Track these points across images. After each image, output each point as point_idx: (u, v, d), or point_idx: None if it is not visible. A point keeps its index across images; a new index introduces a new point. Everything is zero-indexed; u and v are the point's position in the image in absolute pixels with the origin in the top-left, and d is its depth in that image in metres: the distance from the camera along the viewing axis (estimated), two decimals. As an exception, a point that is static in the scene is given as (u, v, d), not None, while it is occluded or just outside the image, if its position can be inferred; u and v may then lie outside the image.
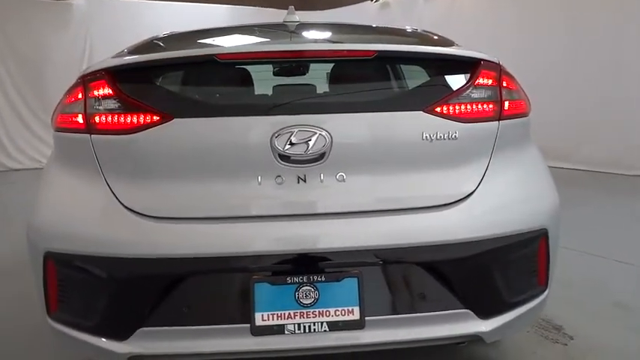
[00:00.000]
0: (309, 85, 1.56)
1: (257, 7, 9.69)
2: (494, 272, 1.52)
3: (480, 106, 1.53)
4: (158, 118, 1.43)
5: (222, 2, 9.53)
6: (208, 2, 9.22)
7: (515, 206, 1.55)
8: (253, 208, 1.45)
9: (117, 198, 1.47)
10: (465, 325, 1.49)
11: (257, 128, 1.43)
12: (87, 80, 1.52)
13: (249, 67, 1.67)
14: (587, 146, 5.98)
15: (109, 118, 1.47)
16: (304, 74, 1.59)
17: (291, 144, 1.41)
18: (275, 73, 1.59)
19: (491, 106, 1.55)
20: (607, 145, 5.84)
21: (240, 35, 2.04)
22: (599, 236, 3.56)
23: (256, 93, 1.66)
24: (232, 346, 1.43)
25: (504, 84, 1.59)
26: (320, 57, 1.51)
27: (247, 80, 1.66)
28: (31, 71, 7.51)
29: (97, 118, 1.49)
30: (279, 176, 1.44)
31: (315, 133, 1.42)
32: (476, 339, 1.53)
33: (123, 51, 1.86)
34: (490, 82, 1.56)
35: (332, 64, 1.53)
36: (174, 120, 1.42)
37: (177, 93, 1.59)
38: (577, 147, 6.03)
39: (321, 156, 1.43)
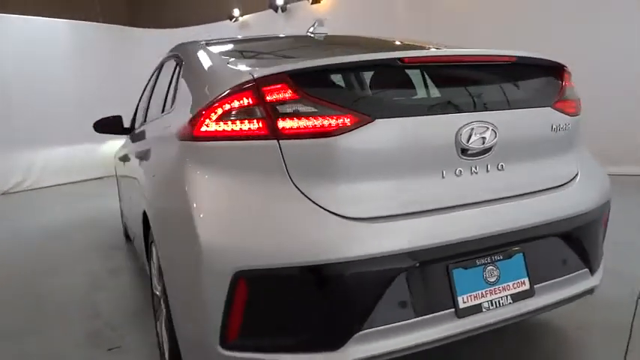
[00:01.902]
0: (470, 85, 1.70)
1: (97, 23, 8.96)
2: (597, 235, 1.88)
3: (574, 103, 1.88)
4: (358, 119, 1.44)
5: (54, 16, 8.55)
6: (41, 16, 8.19)
7: (600, 182, 1.94)
8: (445, 200, 1.55)
9: (317, 204, 1.42)
10: (586, 281, 1.82)
11: (446, 125, 1.54)
12: (261, 84, 1.44)
13: (418, 71, 1.75)
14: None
15: (305, 122, 1.41)
16: (459, 77, 1.73)
17: (471, 139, 1.56)
18: (438, 76, 1.71)
19: (575, 103, 1.92)
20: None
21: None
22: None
23: (430, 94, 1.75)
24: (442, 332, 1.50)
25: (574, 86, 1.98)
26: (477, 61, 1.68)
27: (422, 82, 1.74)
28: None
29: (285, 123, 1.42)
30: (459, 169, 1.57)
31: (488, 128, 1.58)
32: (588, 293, 1.86)
33: (248, 59, 1.80)
34: (570, 83, 1.93)
35: (477, 69, 1.72)
36: (377, 121, 1.45)
37: (367, 95, 1.59)
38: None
39: (490, 148, 1.61)
